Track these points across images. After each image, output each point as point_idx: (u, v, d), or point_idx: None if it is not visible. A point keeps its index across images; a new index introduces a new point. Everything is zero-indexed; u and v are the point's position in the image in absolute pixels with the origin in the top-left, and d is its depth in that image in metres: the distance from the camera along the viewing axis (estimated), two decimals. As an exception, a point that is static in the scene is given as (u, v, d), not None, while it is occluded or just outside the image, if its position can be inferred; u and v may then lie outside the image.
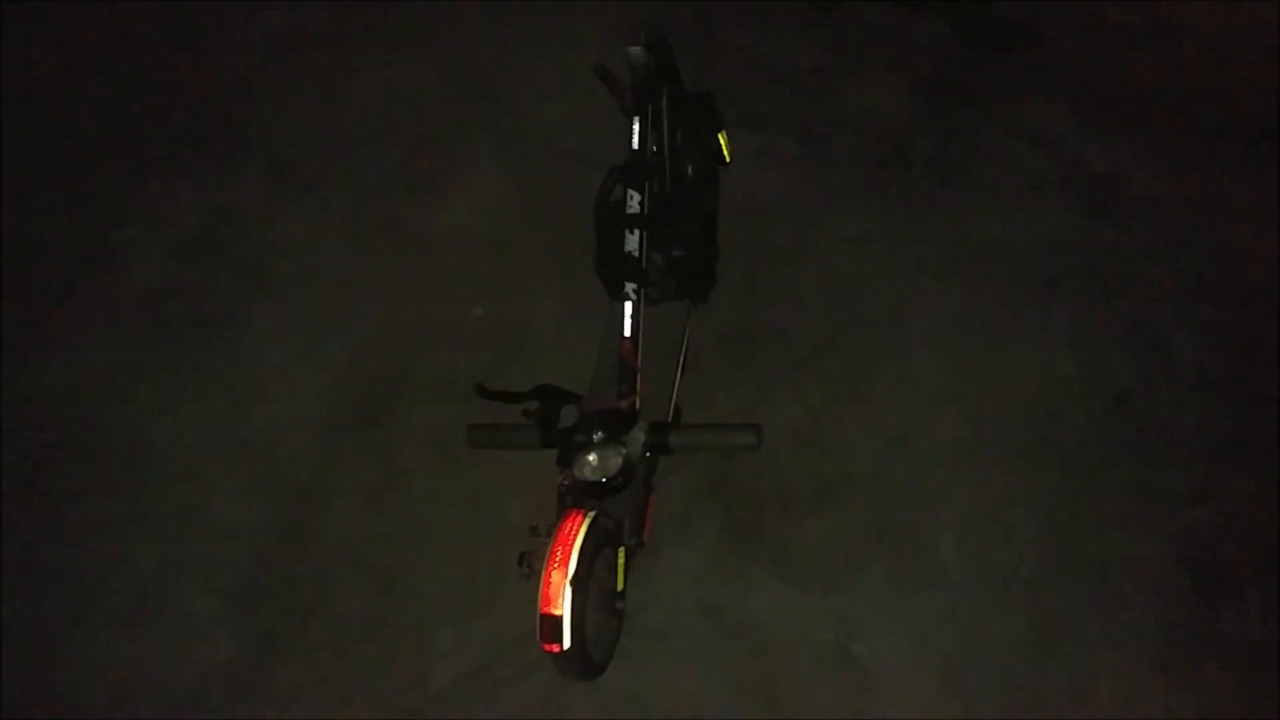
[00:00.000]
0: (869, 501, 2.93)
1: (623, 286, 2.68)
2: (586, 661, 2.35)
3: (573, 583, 2.21)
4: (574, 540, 2.25)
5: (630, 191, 2.75)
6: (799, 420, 3.13)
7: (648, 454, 2.46)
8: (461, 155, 4.00)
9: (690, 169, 3.21)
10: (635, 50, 2.83)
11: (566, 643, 2.20)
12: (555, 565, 2.23)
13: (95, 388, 3.36)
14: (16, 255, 3.78)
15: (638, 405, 2.62)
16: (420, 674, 2.69)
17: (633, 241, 2.74)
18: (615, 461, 2.33)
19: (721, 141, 3.42)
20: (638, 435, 2.45)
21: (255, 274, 3.65)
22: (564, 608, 2.21)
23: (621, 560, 2.50)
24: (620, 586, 2.51)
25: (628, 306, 2.70)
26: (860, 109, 4.13)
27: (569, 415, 2.50)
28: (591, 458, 2.32)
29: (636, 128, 2.84)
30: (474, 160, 3.98)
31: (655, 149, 2.93)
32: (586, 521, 2.28)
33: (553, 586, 2.22)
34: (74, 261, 3.75)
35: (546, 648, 2.21)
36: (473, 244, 3.69)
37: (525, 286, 3.53)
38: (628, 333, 2.67)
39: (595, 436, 2.41)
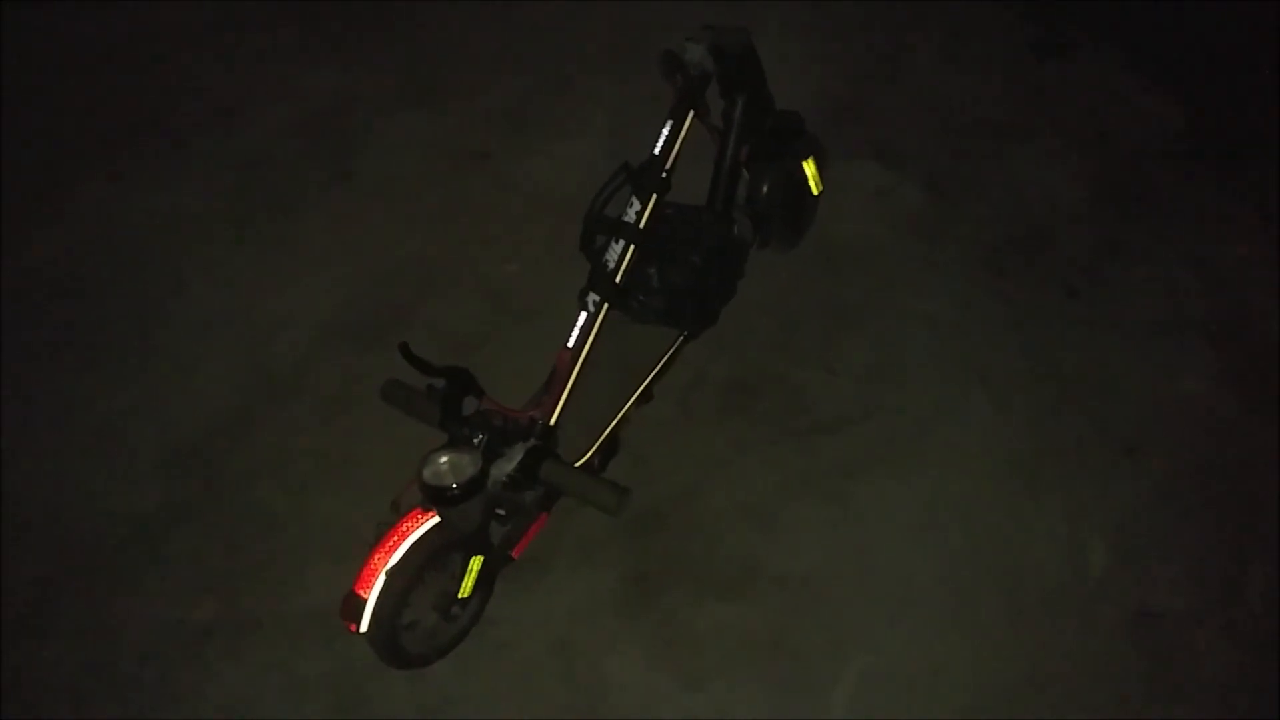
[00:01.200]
0: (786, 609, 2.59)
1: (585, 293, 2.49)
2: (393, 650, 2.26)
3: (389, 573, 2.14)
4: (406, 537, 2.17)
5: (633, 198, 2.52)
6: (761, 496, 2.80)
7: (512, 478, 2.28)
8: (580, 111, 3.87)
9: (765, 189, 2.92)
10: (694, 47, 2.56)
11: (364, 626, 2.15)
12: (381, 551, 2.16)
13: (149, 233, 3.60)
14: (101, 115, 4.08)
15: (550, 422, 2.44)
16: (281, 597, 2.70)
17: (614, 252, 2.52)
18: (466, 472, 2.17)
19: (809, 171, 3.07)
20: (515, 454, 2.28)
21: (341, 170, 3.74)
22: (371, 594, 2.14)
23: (475, 568, 2.36)
24: (464, 593, 2.37)
25: (581, 316, 2.50)
26: (1017, 182, 3.59)
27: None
28: (443, 460, 2.17)
29: (666, 131, 2.58)
30: (588, 119, 3.84)
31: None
32: (426, 525, 2.18)
33: (368, 570, 2.16)
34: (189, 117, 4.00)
35: (345, 623, 2.16)
36: (546, 202, 3.58)
37: (567, 256, 3.37)
38: (571, 343, 2.48)
39: (477, 439, 2.27)
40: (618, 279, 2.51)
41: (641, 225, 2.53)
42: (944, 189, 3.57)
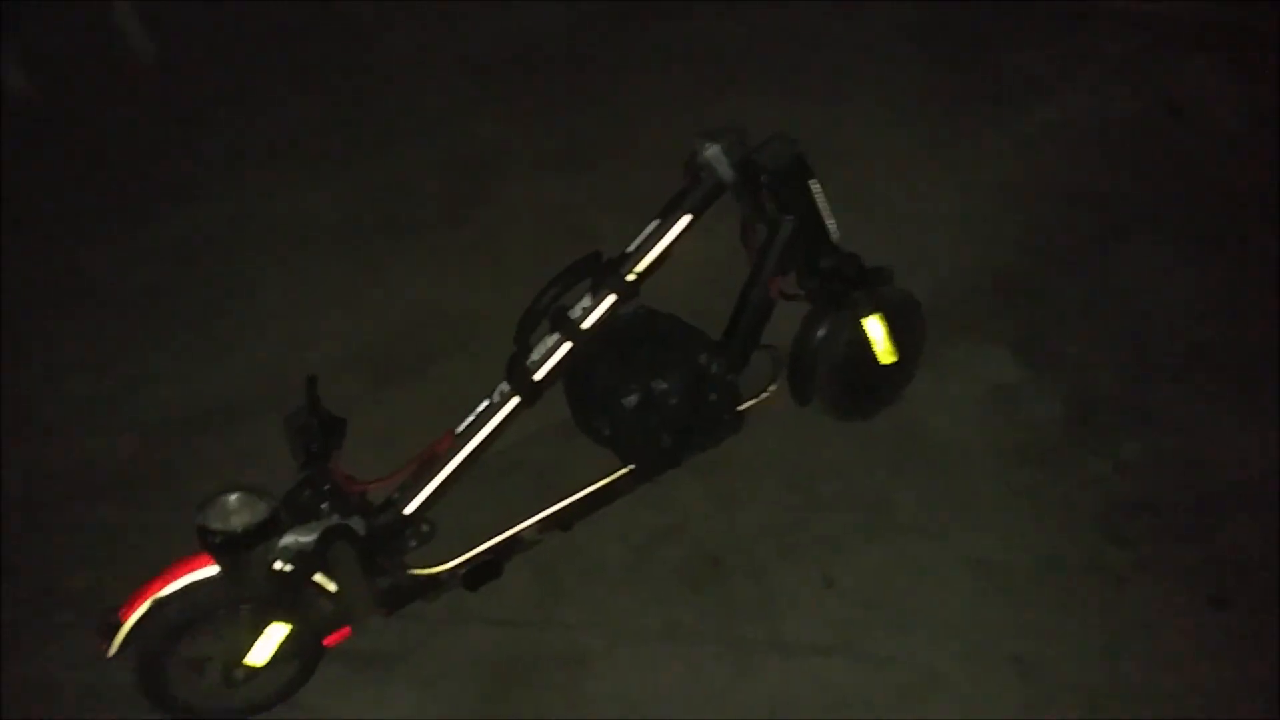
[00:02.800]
0: None
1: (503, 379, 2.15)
2: (154, 687, 2.07)
3: (156, 603, 1.96)
4: (191, 571, 1.95)
5: (598, 295, 2.15)
6: (654, 703, 2.24)
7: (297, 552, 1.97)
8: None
9: (813, 340, 2.47)
10: (709, 147, 2.16)
11: (112, 650, 1.99)
12: (159, 580, 1.96)
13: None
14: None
15: (404, 510, 2.10)
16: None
17: (545, 345, 2.15)
18: (243, 519, 1.89)
19: (873, 333, 2.50)
20: (325, 523, 1.97)
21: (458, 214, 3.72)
22: (130, 619, 1.94)
23: (275, 636, 2.07)
24: (253, 660, 2.08)
25: (482, 403, 2.15)
26: (1206, 449, 2.69)
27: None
28: (233, 498, 1.92)
29: (649, 230, 2.19)
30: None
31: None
32: (202, 573, 1.96)
33: (137, 594, 1.96)
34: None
35: (99, 642, 1.97)
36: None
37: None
38: (459, 429, 2.14)
39: (302, 492, 2.00)
40: (538, 375, 2.13)
41: (586, 325, 2.14)
42: (1091, 421, 2.76)
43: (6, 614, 2.49)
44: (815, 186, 2.30)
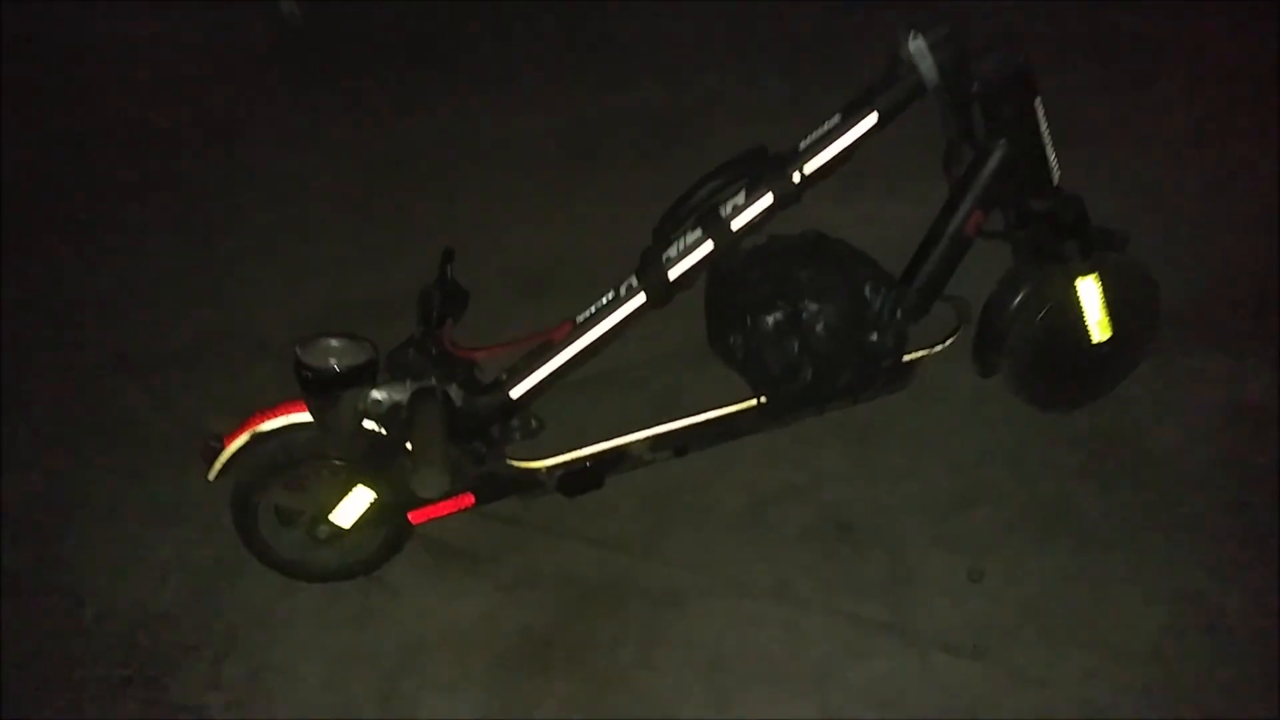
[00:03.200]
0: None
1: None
2: (246, 528, 2.06)
3: (256, 436, 1.96)
4: (294, 412, 1.93)
5: (754, 193, 1.91)
6: (728, 660, 1.97)
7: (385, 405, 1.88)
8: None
9: (1012, 303, 2.12)
10: (915, 42, 1.85)
11: (211, 475, 2.01)
12: (261, 416, 1.95)
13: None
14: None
15: (510, 393, 1.97)
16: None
17: (684, 242, 1.93)
18: (345, 361, 1.82)
19: (1086, 299, 2.11)
20: (421, 383, 1.87)
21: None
22: (231, 446, 1.94)
23: (361, 499, 2.00)
24: (339, 519, 2.01)
25: (606, 295, 1.97)
26: None
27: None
28: (335, 341, 1.85)
29: (827, 126, 1.90)
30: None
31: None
32: (290, 418, 1.93)
33: (242, 426, 1.95)
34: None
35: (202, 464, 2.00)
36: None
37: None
38: (579, 318, 1.97)
39: (406, 351, 1.91)
40: (672, 274, 1.92)
41: (734, 225, 1.91)
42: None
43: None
44: (1040, 109, 1.93)
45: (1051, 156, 1.99)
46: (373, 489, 2.01)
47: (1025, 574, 2.06)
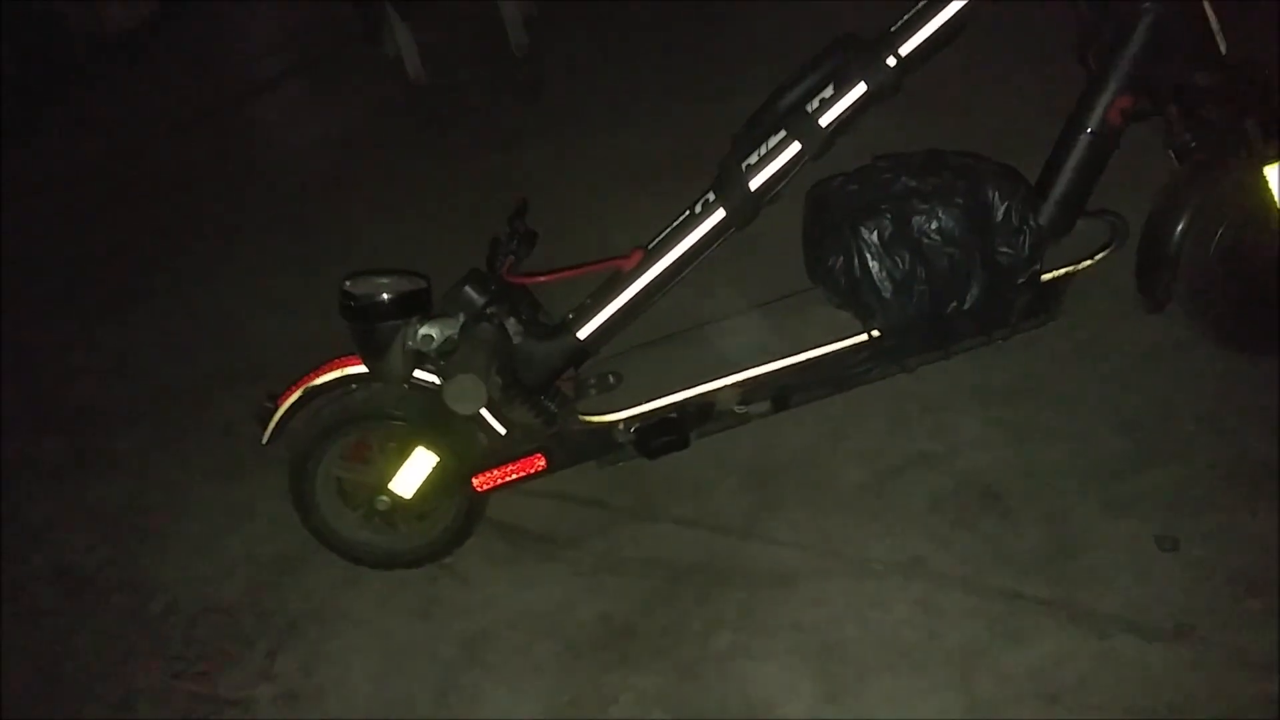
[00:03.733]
0: None
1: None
2: (304, 499, 1.89)
3: (308, 390, 1.83)
4: (344, 367, 1.79)
5: (844, 83, 1.64)
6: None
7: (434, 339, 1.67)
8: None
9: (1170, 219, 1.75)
10: None
11: (265, 438, 1.88)
12: (313, 374, 1.81)
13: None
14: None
15: (578, 333, 1.74)
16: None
17: (767, 146, 1.67)
18: (386, 290, 1.64)
19: (1273, 182, 1.71)
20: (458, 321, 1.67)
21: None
22: (284, 405, 1.81)
23: (423, 465, 1.79)
24: (403, 490, 1.80)
25: (683, 214, 1.72)
26: None
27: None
28: (382, 280, 1.68)
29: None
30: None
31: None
32: (344, 371, 1.79)
33: (293, 386, 1.81)
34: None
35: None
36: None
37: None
38: (650, 244, 1.73)
39: (465, 287, 1.72)
40: (754, 182, 1.67)
41: (823, 121, 1.64)
42: None
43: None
44: None
45: (1212, 15, 1.64)
46: (434, 450, 1.79)
47: (1238, 540, 1.60)
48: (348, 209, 3.59)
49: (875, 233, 1.66)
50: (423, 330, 1.66)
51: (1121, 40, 1.66)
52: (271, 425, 1.82)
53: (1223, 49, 1.66)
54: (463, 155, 4.07)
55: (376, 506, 1.85)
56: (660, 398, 1.77)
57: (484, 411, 1.78)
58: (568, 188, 3.28)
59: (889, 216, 1.66)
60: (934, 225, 1.65)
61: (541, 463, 1.82)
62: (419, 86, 4.77)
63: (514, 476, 1.83)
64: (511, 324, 1.70)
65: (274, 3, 7.03)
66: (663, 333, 1.94)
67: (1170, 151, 1.80)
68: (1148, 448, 1.80)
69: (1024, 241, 1.67)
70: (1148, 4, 1.62)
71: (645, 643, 1.71)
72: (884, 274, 1.67)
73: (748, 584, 1.76)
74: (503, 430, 1.82)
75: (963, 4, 1.60)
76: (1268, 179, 1.68)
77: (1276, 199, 1.69)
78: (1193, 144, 1.75)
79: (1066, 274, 1.74)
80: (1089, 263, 1.74)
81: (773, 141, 1.67)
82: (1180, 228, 1.74)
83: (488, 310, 1.70)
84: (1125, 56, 1.66)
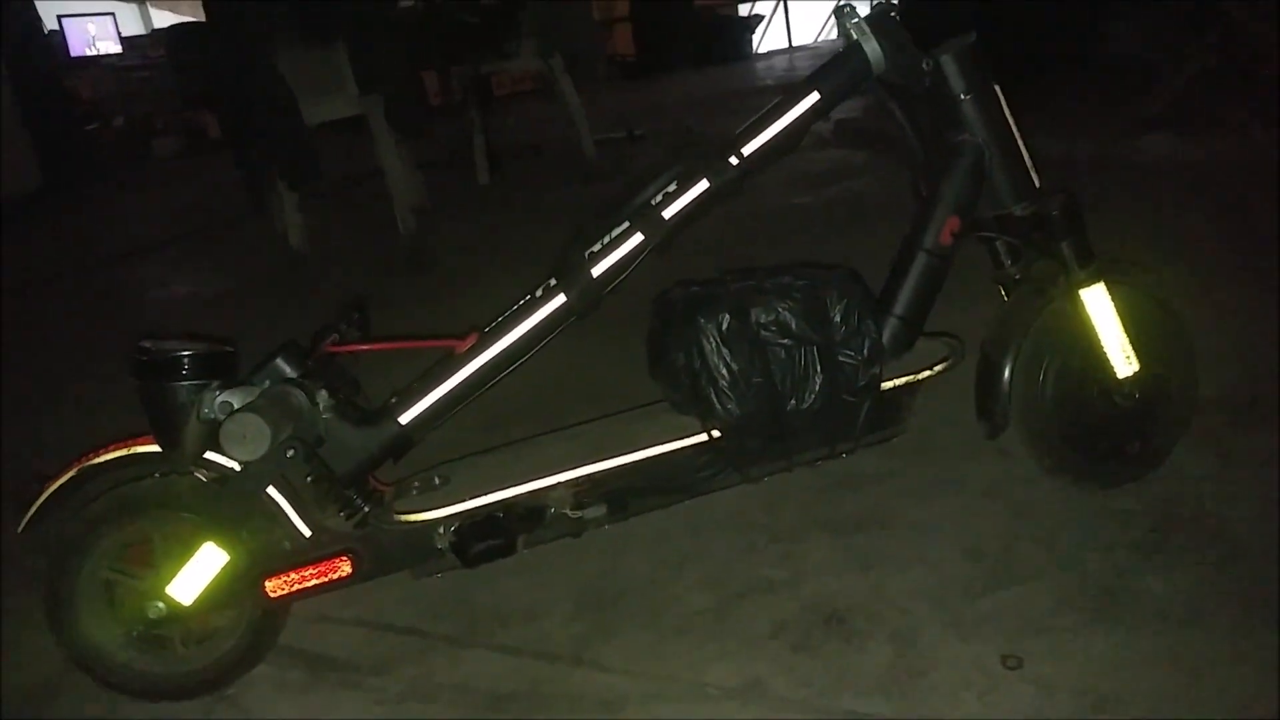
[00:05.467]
0: None
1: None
2: (58, 606, 1.63)
3: (82, 471, 1.63)
4: (120, 448, 1.62)
5: (688, 179, 1.67)
6: None
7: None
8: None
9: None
10: (854, 18, 1.71)
11: (20, 525, 1.65)
12: (98, 451, 1.62)
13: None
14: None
15: (400, 417, 1.61)
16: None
17: (608, 235, 1.66)
18: (185, 349, 1.51)
19: (1089, 305, 1.77)
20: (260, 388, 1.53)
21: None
22: (49, 490, 1.60)
23: (208, 561, 1.57)
24: (179, 592, 1.56)
25: (524, 298, 1.67)
26: None
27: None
28: (190, 342, 1.55)
29: (771, 105, 1.70)
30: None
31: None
32: (132, 449, 1.62)
33: (70, 467, 1.62)
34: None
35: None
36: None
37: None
38: (489, 327, 1.66)
39: (278, 357, 1.59)
40: (595, 270, 1.64)
41: (665, 213, 1.65)
42: None
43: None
44: (1001, 96, 1.74)
45: (1026, 154, 1.76)
46: (224, 547, 1.58)
47: (1083, 657, 1.51)
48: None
49: (714, 325, 1.64)
50: (221, 397, 1.51)
51: (946, 172, 1.76)
52: (33, 509, 1.59)
53: (1037, 182, 1.77)
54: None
55: (149, 615, 1.60)
56: (484, 495, 1.63)
57: (288, 509, 1.61)
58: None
59: (728, 310, 1.64)
60: (772, 319, 1.64)
61: (347, 568, 1.63)
62: (301, 257, 4.78)
63: (314, 582, 1.62)
64: (324, 399, 1.57)
65: (162, 187, 7.09)
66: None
67: (998, 285, 1.88)
68: (994, 573, 1.73)
69: (863, 344, 1.67)
70: (967, 142, 1.74)
71: (451, 776, 1.47)
72: (722, 367, 1.63)
73: (570, 710, 1.55)
74: (307, 532, 1.63)
75: (801, 113, 1.69)
76: (1084, 303, 1.75)
77: (1093, 323, 1.76)
78: (1016, 275, 1.84)
79: (907, 383, 1.73)
80: (929, 373, 1.74)
81: (616, 231, 1.67)
82: (1008, 358, 1.78)
83: (305, 383, 1.57)
84: (950, 186, 1.75)
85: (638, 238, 1.65)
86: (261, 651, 1.69)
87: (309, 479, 1.61)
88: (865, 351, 1.67)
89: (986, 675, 1.50)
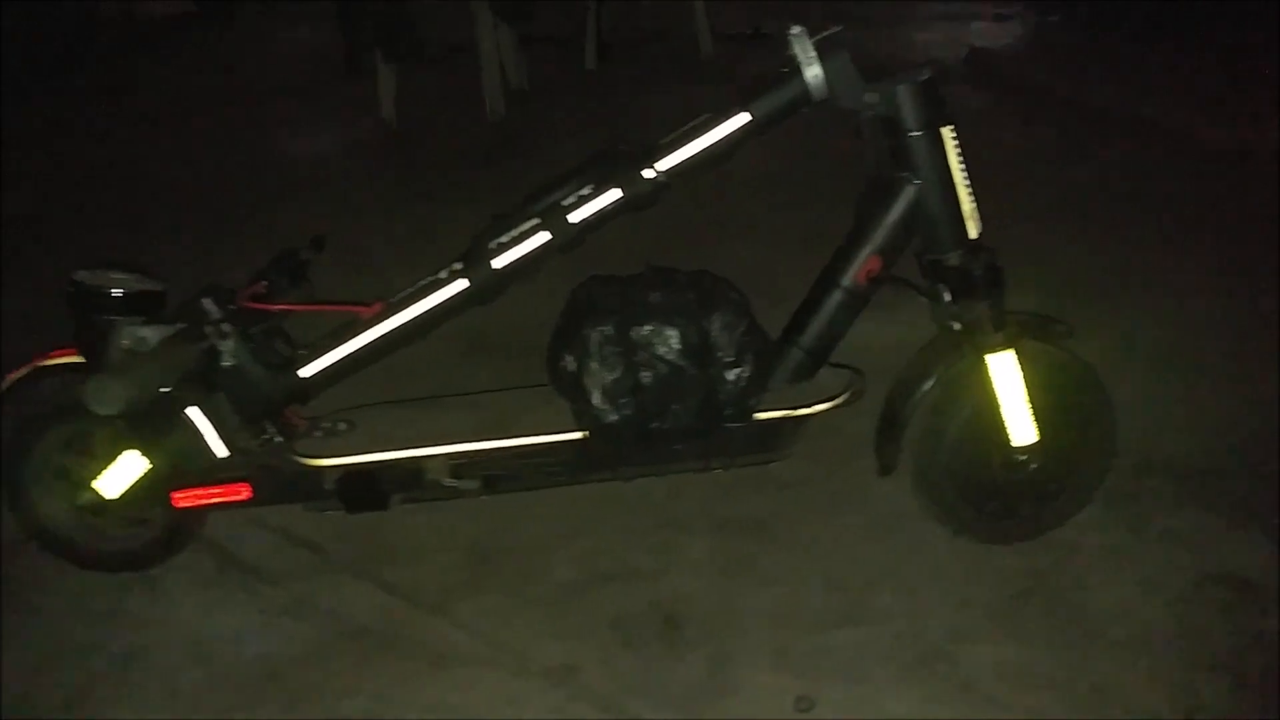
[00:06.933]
0: None
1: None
2: (17, 496, 1.89)
3: (33, 370, 1.84)
4: (69, 355, 1.82)
5: (601, 185, 1.68)
6: None
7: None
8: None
9: None
10: (800, 42, 1.64)
11: None
12: (47, 357, 1.84)
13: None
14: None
15: (301, 370, 1.75)
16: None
17: (517, 230, 1.71)
18: (121, 286, 1.69)
19: (995, 370, 1.73)
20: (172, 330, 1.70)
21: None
22: (9, 380, 1.84)
23: (130, 466, 1.79)
24: (105, 487, 1.80)
25: (427, 278, 1.75)
26: None
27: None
28: (122, 274, 1.72)
29: (698, 120, 1.68)
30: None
31: None
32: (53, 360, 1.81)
33: (26, 365, 1.85)
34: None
35: None
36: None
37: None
38: (395, 298, 1.76)
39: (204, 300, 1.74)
40: (498, 261, 1.70)
41: (573, 217, 1.67)
42: None
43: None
44: (950, 138, 1.65)
45: (967, 200, 1.67)
46: (147, 457, 1.80)
47: (872, 714, 1.56)
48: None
49: (597, 336, 1.68)
50: (141, 331, 1.68)
51: (878, 209, 1.70)
52: None
53: (973, 232, 1.69)
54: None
55: (79, 501, 1.85)
56: (370, 453, 1.78)
57: (208, 431, 1.79)
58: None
59: (613, 323, 1.68)
60: (652, 339, 1.67)
61: (246, 493, 1.82)
62: (391, 128, 4.95)
63: (216, 500, 1.82)
64: (231, 346, 1.72)
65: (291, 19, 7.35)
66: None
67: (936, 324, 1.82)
68: (845, 609, 1.77)
69: (738, 375, 1.68)
70: (907, 181, 1.66)
71: (285, 691, 1.68)
72: (597, 376, 1.68)
73: (408, 657, 1.73)
74: (223, 453, 1.82)
75: (728, 134, 1.66)
76: (989, 368, 1.69)
77: (995, 389, 1.70)
78: (949, 320, 1.77)
79: (784, 417, 1.75)
80: (808, 411, 1.74)
81: (525, 227, 1.71)
82: (911, 403, 1.75)
83: (222, 327, 1.72)
84: (878, 225, 1.70)
85: (544, 236, 1.69)
86: (180, 543, 1.93)
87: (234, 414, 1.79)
88: (740, 383, 1.68)
89: (774, 713, 1.57)
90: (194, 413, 1.77)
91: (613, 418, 1.69)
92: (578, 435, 1.74)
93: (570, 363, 1.71)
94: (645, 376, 1.67)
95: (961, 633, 1.70)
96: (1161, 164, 3.81)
